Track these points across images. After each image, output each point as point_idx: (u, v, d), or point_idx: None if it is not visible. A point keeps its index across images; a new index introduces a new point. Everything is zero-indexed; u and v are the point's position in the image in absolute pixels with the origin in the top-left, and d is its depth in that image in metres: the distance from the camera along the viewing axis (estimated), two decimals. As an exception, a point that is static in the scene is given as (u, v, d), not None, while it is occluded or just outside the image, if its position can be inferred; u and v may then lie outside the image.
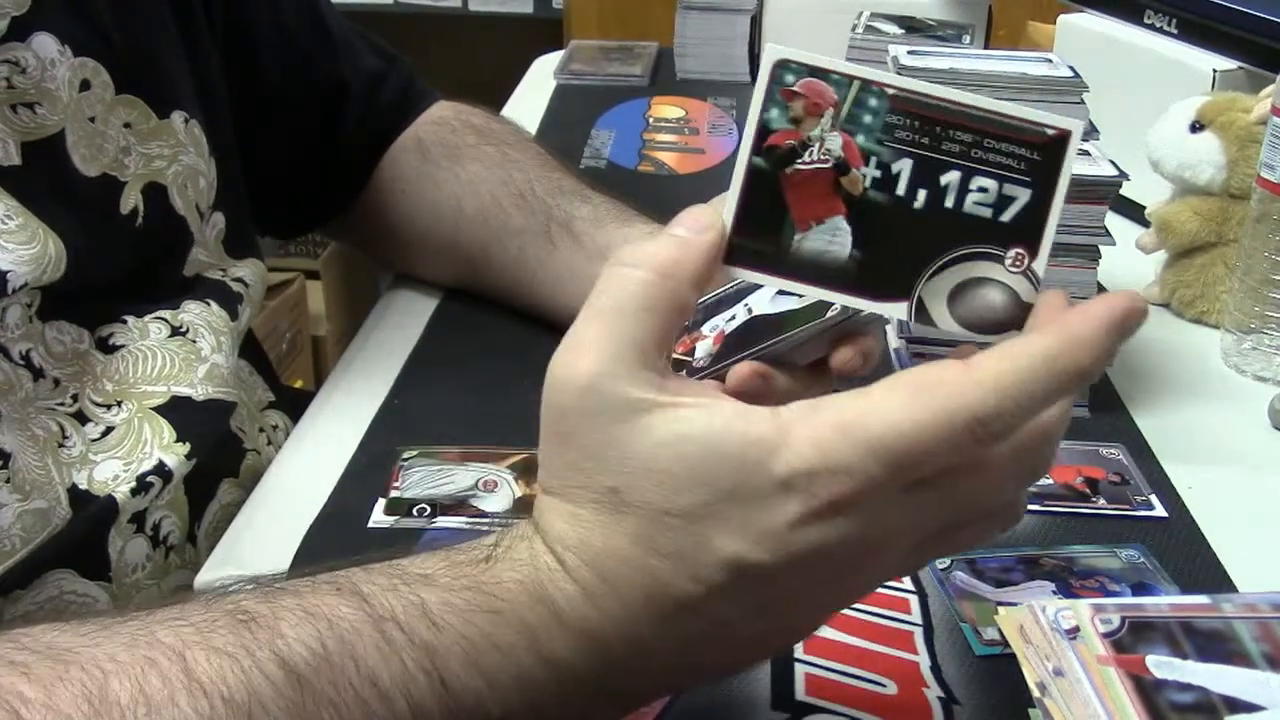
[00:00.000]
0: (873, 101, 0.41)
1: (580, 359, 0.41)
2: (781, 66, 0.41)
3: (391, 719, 0.39)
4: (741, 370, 0.45)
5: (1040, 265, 0.41)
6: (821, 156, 0.41)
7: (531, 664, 0.41)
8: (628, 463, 0.40)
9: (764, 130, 0.41)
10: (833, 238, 0.42)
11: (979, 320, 0.42)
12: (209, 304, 0.73)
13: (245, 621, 0.40)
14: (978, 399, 0.38)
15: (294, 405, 0.79)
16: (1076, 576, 0.60)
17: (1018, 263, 0.41)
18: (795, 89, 0.41)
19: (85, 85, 0.66)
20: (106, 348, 0.67)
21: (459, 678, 0.40)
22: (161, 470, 0.66)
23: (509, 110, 1.25)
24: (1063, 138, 0.41)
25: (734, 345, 0.48)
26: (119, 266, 0.68)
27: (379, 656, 0.39)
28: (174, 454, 0.67)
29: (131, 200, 0.68)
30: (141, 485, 0.65)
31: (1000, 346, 0.39)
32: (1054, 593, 0.59)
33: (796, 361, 0.47)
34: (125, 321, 0.68)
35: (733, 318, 0.56)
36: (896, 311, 0.42)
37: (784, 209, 0.42)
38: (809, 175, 0.41)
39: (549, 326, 0.80)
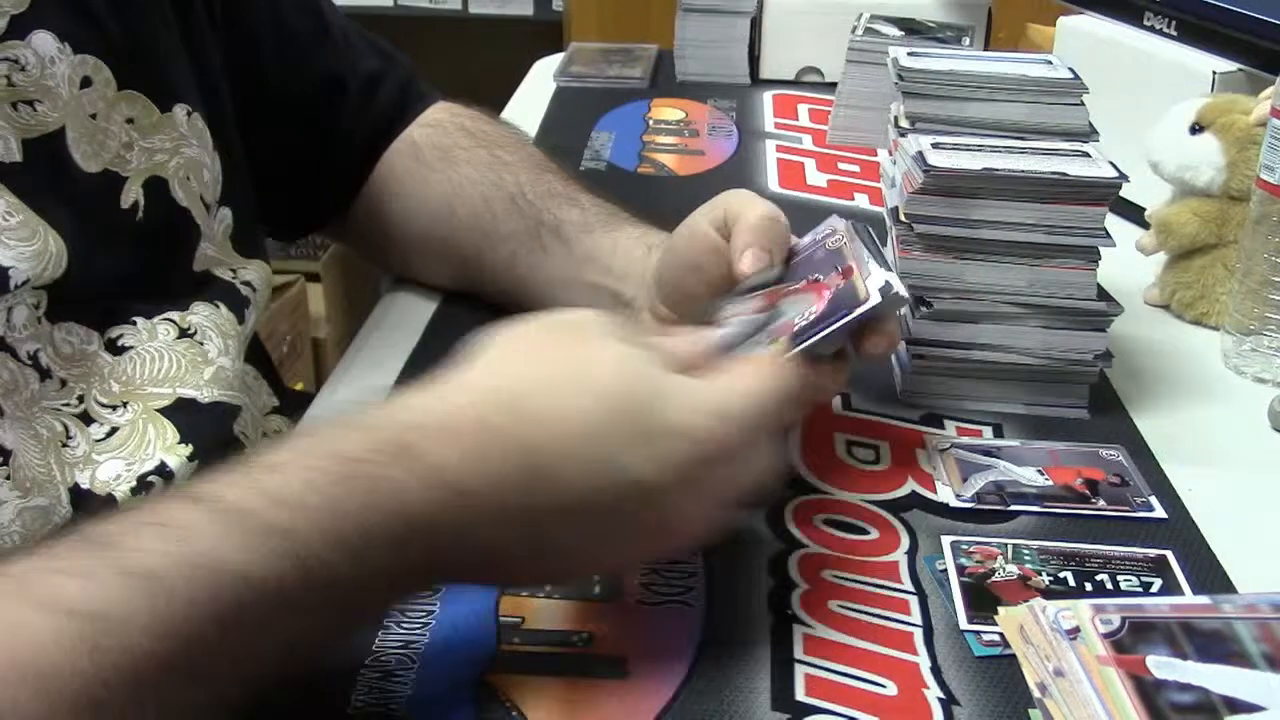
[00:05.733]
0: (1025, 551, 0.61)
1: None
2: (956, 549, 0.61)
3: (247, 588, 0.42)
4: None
5: None
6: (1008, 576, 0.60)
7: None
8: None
9: (962, 568, 0.60)
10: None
11: None
12: (218, 306, 0.73)
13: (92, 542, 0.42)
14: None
15: (297, 409, 0.79)
16: (1076, 577, 0.60)
17: None
18: (972, 550, 0.61)
19: (86, 82, 0.66)
20: (115, 349, 0.67)
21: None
22: (163, 471, 0.66)
23: (509, 112, 1.25)
24: None
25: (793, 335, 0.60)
26: (123, 262, 0.68)
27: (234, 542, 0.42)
28: (176, 455, 0.67)
29: (132, 195, 0.68)
30: (142, 485, 0.65)
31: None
32: (1054, 593, 0.59)
33: (823, 353, 0.60)
34: (135, 323, 0.68)
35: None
36: None
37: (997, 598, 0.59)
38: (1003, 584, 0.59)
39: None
